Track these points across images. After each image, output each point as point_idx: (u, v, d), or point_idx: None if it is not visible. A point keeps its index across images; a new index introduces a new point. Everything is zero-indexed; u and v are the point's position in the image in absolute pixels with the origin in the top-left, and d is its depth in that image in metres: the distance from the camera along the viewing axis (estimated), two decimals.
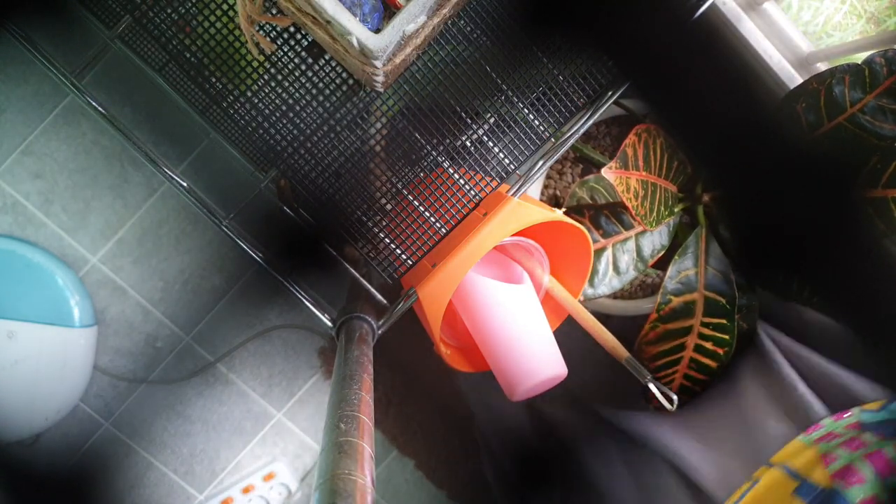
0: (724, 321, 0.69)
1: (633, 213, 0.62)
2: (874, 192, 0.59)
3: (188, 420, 1.04)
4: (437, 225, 0.53)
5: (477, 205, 0.53)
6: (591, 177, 0.79)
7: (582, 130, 0.50)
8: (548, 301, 0.62)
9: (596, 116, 0.50)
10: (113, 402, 1.02)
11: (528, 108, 0.53)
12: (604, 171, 0.59)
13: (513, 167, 0.53)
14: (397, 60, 0.42)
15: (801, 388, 0.56)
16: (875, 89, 0.58)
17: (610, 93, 0.50)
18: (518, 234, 0.57)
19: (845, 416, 0.51)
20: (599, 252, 0.74)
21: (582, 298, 0.70)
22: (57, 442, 1.02)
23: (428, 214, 0.53)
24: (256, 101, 0.52)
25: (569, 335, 0.73)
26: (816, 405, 0.54)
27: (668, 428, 0.61)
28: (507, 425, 0.81)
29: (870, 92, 0.59)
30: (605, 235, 0.74)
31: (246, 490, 1.04)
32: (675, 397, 0.51)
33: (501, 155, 0.53)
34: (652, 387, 0.51)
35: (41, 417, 0.96)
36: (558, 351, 0.56)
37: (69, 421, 1.01)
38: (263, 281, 1.04)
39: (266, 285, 1.04)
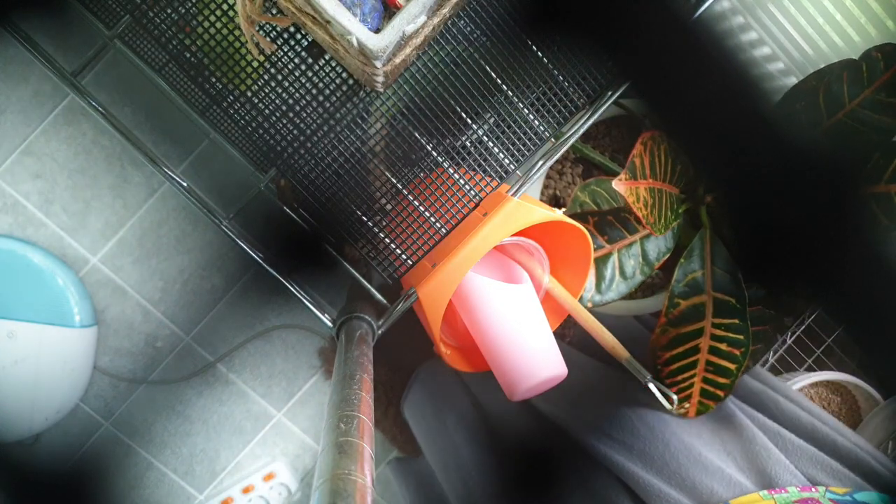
0: (735, 321, 0.69)
1: (644, 221, 0.62)
2: (877, 188, 0.59)
3: (188, 420, 1.04)
4: (437, 225, 0.53)
5: (477, 205, 0.53)
6: (592, 180, 0.79)
7: (582, 130, 0.50)
8: (548, 301, 0.62)
9: (596, 116, 0.50)
10: (113, 402, 1.02)
11: (528, 108, 0.53)
12: (615, 184, 0.59)
13: (513, 167, 0.53)
14: (397, 60, 0.42)
15: (775, 452, 0.57)
16: (873, 84, 0.58)
17: (610, 93, 0.50)
18: (518, 233, 0.57)
19: (812, 490, 0.52)
20: (605, 258, 0.73)
21: (591, 305, 0.70)
22: (57, 442, 1.02)
23: (428, 214, 0.53)
24: (256, 101, 0.52)
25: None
26: (786, 471, 0.54)
27: (622, 450, 0.62)
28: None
29: (868, 86, 0.59)
30: (611, 241, 0.74)
31: (246, 490, 1.04)
32: (675, 397, 0.51)
33: (501, 155, 0.53)
34: (651, 387, 0.51)
35: (41, 417, 0.96)
36: (558, 351, 0.56)
37: (69, 421, 1.01)
38: (263, 281, 1.04)
39: (266, 285, 1.04)
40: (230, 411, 1.04)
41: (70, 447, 1.02)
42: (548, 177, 0.89)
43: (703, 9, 0.49)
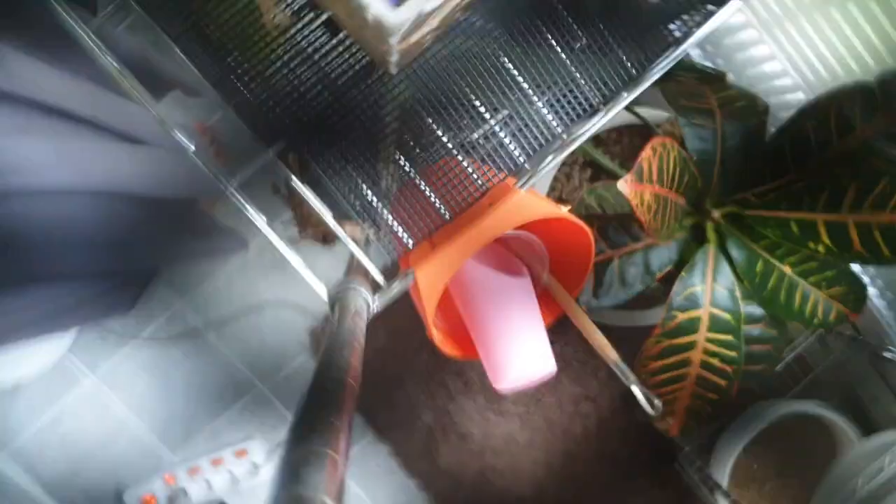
0: (730, 337, 0.69)
1: (647, 227, 0.63)
2: (881, 216, 0.59)
3: (171, 380, 1.04)
4: (442, 210, 0.54)
5: (483, 194, 0.53)
6: (599, 184, 0.79)
7: (595, 129, 0.50)
8: (543, 298, 0.62)
9: (610, 115, 0.50)
10: (100, 356, 1.02)
11: (543, 104, 0.53)
12: (619, 185, 0.59)
13: (522, 159, 0.53)
14: (412, 40, 0.42)
15: None
16: (885, 110, 0.58)
17: (625, 94, 0.51)
18: (521, 228, 0.58)
19: None
20: (606, 263, 0.73)
21: (585, 308, 0.70)
22: (39, 394, 1.02)
23: (434, 198, 0.53)
24: (269, 73, 0.52)
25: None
26: None
27: None
28: None
29: (880, 112, 0.58)
30: (613, 247, 0.74)
31: (215, 462, 1.04)
32: (658, 402, 0.51)
33: (513, 146, 0.53)
34: (635, 389, 0.52)
35: (26, 366, 0.96)
36: (549, 347, 0.56)
37: (53, 372, 1.01)
38: (262, 256, 1.04)
39: (265, 260, 1.05)
40: (215, 377, 1.05)
41: (51, 396, 1.03)
42: (555, 179, 0.90)
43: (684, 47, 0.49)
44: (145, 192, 0.67)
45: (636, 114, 0.80)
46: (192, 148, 0.49)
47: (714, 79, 0.78)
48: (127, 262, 0.77)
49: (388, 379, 1.04)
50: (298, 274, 1.04)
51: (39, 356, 0.97)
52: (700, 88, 0.73)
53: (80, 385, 1.03)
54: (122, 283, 0.86)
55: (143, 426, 1.05)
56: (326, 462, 0.27)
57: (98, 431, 1.04)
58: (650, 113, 0.83)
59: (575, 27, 0.53)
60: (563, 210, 0.53)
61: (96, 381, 1.03)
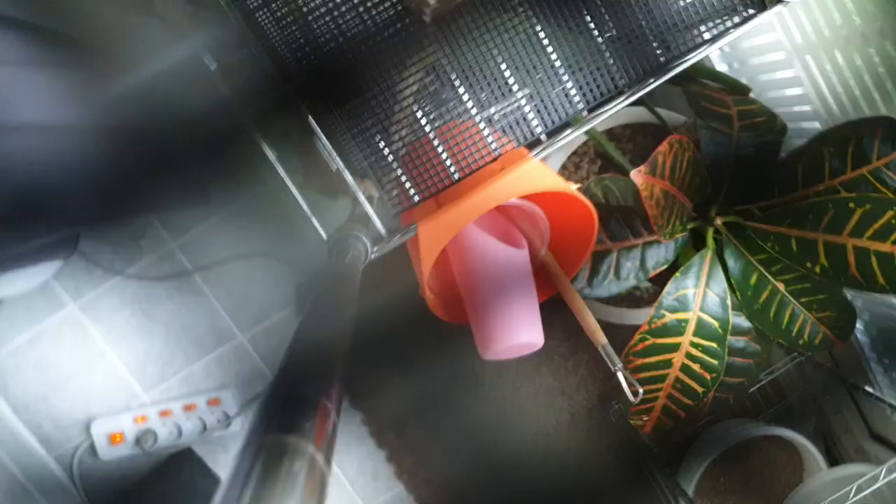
0: (714, 345, 0.70)
1: (653, 221, 0.63)
2: (882, 246, 0.59)
3: (152, 319, 1.03)
4: (452, 169, 0.53)
5: (496, 158, 0.53)
6: (607, 175, 0.79)
7: (618, 108, 0.50)
8: (539, 275, 0.62)
9: (633, 98, 0.50)
10: (85, 285, 1.01)
11: (570, 79, 0.53)
12: (633, 174, 0.59)
13: (539, 130, 0.53)
14: None
15: None
16: None
17: (651, 80, 0.50)
18: (528, 198, 0.57)
19: None
20: (604, 254, 0.74)
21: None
22: (19, 312, 1.01)
23: (445, 157, 0.53)
24: (303, 14, 0.51)
25: None
26: None
27: None
28: None
29: None
30: (613, 239, 0.74)
31: (188, 408, 1.03)
32: (640, 389, 0.51)
33: (531, 116, 0.53)
34: (620, 376, 0.52)
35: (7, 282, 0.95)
36: (540, 321, 0.56)
37: (36, 294, 1.00)
38: (262, 206, 1.03)
39: (264, 211, 1.04)
40: (195, 321, 1.04)
41: (31, 319, 1.01)
42: (563, 167, 0.90)
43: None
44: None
45: (655, 112, 0.79)
46: (214, 66, 0.49)
47: (738, 91, 0.78)
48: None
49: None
50: (292, 227, 1.04)
51: (24, 277, 0.95)
52: (722, 97, 0.73)
53: (62, 310, 1.02)
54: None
55: (119, 361, 1.04)
56: (318, 408, 0.25)
57: (74, 359, 1.03)
58: (668, 115, 0.83)
59: (612, 12, 0.53)
60: (573, 187, 0.53)
61: (78, 309, 1.02)
